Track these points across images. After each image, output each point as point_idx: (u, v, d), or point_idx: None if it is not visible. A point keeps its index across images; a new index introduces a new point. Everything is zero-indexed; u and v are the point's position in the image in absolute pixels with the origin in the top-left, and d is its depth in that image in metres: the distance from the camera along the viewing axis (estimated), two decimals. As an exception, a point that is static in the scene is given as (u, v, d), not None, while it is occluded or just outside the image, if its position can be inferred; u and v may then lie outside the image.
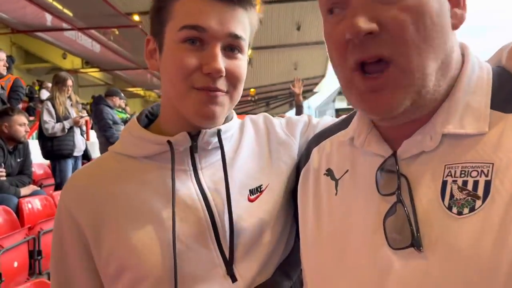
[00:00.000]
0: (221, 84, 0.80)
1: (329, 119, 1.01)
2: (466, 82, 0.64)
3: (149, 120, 0.95)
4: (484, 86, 0.65)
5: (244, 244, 0.85)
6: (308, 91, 25.73)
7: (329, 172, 0.79)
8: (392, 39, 0.59)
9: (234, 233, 0.83)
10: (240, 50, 0.83)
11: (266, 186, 0.91)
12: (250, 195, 0.89)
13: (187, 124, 0.84)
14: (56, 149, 5.05)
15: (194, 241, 0.82)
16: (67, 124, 5.06)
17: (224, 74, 0.80)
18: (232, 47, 0.82)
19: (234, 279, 0.83)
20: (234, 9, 0.80)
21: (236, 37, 0.81)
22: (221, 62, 0.79)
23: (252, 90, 20.79)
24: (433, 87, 0.62)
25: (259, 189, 0.90)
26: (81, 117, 5.28)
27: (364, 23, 0.58)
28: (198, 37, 0.79)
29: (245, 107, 27.06)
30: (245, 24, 0.83)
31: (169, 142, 0.84)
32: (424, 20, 0.59)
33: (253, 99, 23.46)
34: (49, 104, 5.04)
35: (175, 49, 0.81)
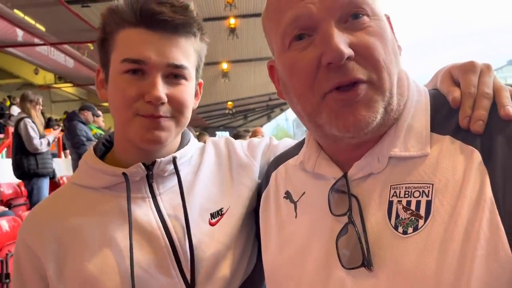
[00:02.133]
0: (165, 111, 0.82)
1: (290, 142, 1.03)
2: (409, 107, 0.70)
3: (106, 148, 0.95)
4: (423, 109, 0.70)
5: (206, 268, 0.85)
6: (285, 103, 25.91)
7: (288, 195, 0.82)
8: (366, 62, 0.63)
9: (194, 258, 0.83)
10: (184, 77, 0.84)
11: (227, 210, 0.91)
12: (211, 219, 0.89)
13: (141, 152, 0.86)
14: (41, 167, 5.02)
15: (155, 269, 0.82)
16: (50, 138, 5.12)
17: (165, 101, 0.81)
18: (175, 74, 0.83)
19: None
20: (173, 39, 0.82)
21: (176, 66, 0.82)
22: (161, 90, 0.80)
23: (229, 103, 20.82)
24: (396, 106, 0.67)
25: (220, 212, 0.91)
26: (62, 130, 5.27)
27: (345, 48, 0.62)
28: (138, 68, 0.81)
29: (223, 120, 27.06)
30: (187, 52, 0.84)
31: (124, 173, 0.85)
32: (387, 44, 0.65)
33: (230, 112, 23.48)
34: (30, 121, 5.02)
35: (118, 79, 0.82)
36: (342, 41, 0.62)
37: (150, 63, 0.80)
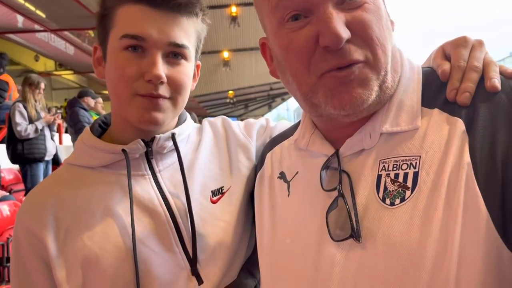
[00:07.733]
0: (164, 90, 0.81)
1: (286, 124, 1.03)
2: (401, 84, 0.70)
3: (102, 129, 0.94)
4: (415, 85, 0.70)
5: (209, 246, 0.86)
6: (287, 93, 25.87)
7: (282, 175, 0.83)
8: (362, 41, 0.63)
9: (196, 235, 0.84)
10: (184, 57, 0.83)
11: (228, 189, 0.92)
12: (212, 197, 0.90)
13: (139, 130, 0.85)
14: (27, 152, 4.91)
15: (157, 245, 0.83)
16: (39, 124, 4.94)
17: (165, 80, 0.81)
18: (175, 53, 0.83)
19: (200, 280, 0.84)
20: (175, 17, 0.81)
21: (177, 45, 0.82)
22: (161, 69, 0.80)
23: (230, 92, 20.77)
24: (390, 83, 0.67)
25: (220, 190, 0.91)
26: (55, 113, 5.14)
27: (344, 31, 0.61)
28: (138, 45, 0.80)
29: (224, 110, 27.02)
30: (188, 31, 0.83)
31: (123, 150, 0.84)
32: (382, 21, 0.65)
33: (231, 101, 23.43)
34: (21, 105, 4.90)
35: (117, 56, 0.81)
36: (340, 23, 0.61)
37: (151, 41, 0.79)
